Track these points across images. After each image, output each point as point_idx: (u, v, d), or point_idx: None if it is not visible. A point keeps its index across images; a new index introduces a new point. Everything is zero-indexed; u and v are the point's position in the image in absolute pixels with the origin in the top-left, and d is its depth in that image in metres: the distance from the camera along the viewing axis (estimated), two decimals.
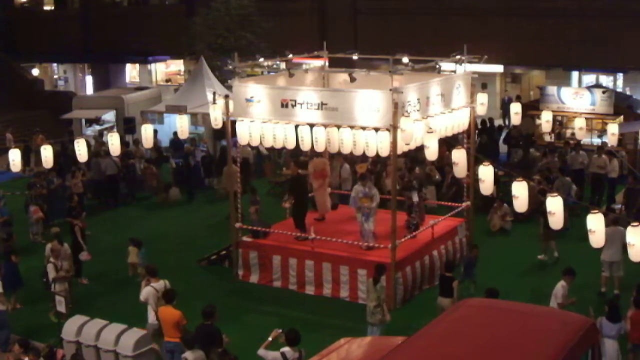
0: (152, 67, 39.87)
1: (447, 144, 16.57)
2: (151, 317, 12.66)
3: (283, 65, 17.25)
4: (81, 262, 16.19)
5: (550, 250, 17.05)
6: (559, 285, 12.83)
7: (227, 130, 15.93)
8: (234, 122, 15.55)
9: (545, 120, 18.63)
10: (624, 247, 14.02)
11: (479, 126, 25.28)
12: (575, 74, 30.64)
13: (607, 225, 12.29)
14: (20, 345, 11.16)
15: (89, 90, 40.21)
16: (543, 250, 17.10)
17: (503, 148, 25.45)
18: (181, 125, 18.16)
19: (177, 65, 39.52)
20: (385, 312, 12.85)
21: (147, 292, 12.73)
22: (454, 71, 16.17)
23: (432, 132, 14.20)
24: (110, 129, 25.42)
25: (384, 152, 14.01)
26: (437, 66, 15.65)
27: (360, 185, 15.38)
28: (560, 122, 25.04)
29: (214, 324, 11.34)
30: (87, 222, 17.07)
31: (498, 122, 28.41)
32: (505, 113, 29.68)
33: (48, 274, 14.42)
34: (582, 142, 21.65)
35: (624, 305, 12.59)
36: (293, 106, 14.65)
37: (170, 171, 23.69)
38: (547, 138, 24.33)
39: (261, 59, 17.83)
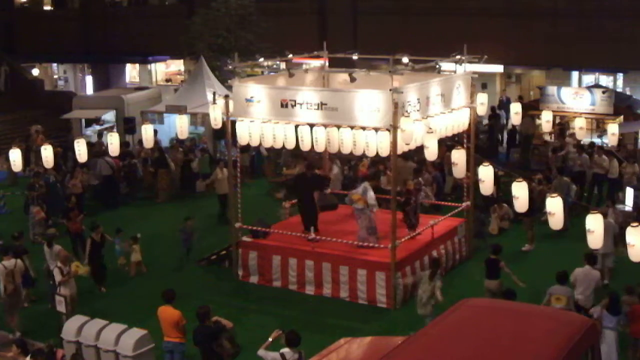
0: (152, 67, 39.82)
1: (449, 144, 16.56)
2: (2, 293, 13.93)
3: (283, 65, 17.21)
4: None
5: (528, 239, 17.46)
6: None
7: (227, 130, 15.93)
8: (234, 122, 15.55)
9: (545, 120, 18.65)
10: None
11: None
12: (575, 74, 30.59)
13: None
14: (17, 346, 11.15)
15: (89, 90, 40.11)
16: (529, 240, 17.44)
17: (502, 148, 25.42)
18: (181, 125, 18.14)
19: (177, 65, 39.47)
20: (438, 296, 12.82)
21: None
22: (454, 71, 16.17)
23: (432, 132, 14.20)
24: (110, 129, 25.41)
25: (384, 152, 14.00)
26: (437, 66, 15.65)
27: (369, 185, 15.39)
28: (560, 122, 25.02)
29: (209, 324, 11.33)
30: (87, 223, 17.00)
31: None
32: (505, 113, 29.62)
33: (55, 277, 14.37)
34: (581, 142, 21.63)
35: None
36: (293, 106, 14.64)
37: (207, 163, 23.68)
38: (547, 138, 24.32)
39: (261, 59, 17.81)
